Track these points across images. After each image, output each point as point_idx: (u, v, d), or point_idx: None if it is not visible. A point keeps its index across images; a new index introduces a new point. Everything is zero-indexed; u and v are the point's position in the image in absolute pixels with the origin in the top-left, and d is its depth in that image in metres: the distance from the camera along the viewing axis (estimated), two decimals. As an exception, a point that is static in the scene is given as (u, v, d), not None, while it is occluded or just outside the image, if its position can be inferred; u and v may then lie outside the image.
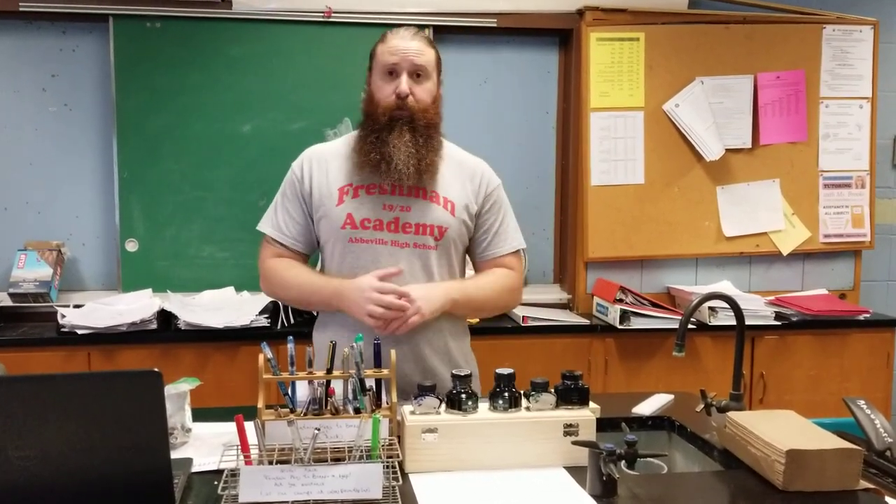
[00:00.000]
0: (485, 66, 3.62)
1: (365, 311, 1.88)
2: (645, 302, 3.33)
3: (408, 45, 1.98)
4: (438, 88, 2.05)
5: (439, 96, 2.05)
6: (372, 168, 1.97)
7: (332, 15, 3.37)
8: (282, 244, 2.07)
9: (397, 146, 1.94)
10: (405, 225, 2.00)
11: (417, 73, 1.98)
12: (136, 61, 3.29)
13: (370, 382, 1.67)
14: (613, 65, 3.52)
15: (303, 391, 1.66)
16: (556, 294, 3.69)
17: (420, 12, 3.43)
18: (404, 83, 1.96)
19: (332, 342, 1.68)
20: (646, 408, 2.08)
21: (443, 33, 3.50)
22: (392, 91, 1.97)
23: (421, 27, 3.39)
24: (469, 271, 2.22)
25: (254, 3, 3.31)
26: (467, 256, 2.18)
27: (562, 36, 3.67)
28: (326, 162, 2.07)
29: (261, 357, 1.62)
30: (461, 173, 2.08)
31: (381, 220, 1.99)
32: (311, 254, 2.13)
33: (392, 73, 1.98)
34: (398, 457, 1.54)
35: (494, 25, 3.50)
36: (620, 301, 3.30)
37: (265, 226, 2.11)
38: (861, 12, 3.69)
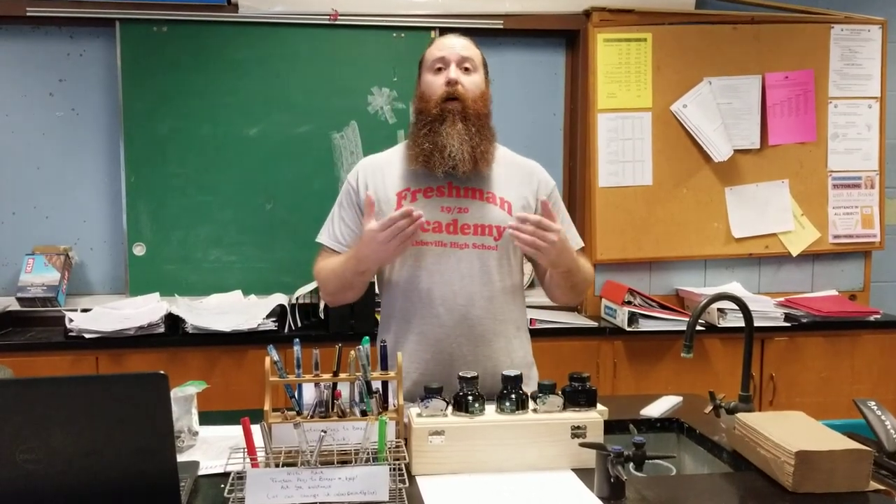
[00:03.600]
0: (491, 68, 3.52)
1: (391, 248, 1.86)
2: (653, 304, 3.32)
3: (454, 42, 2.04)
4: (487, 87, 2.08)
5: (488, 93, 2.08)
6: (426, 158, 1.97)
7: (339, 18, 3.37)
8: (336, 252, 2.07)
9: (450, 134, 1.96)
10: (464, 226, 1.99)
11: (465, 66, 2.02)
12: (143, 65, 3.30)
13: (377, 385, 1.67)
14: (621, 66, 3.51)
15: (309, 394, 1.66)
16: (564, 296, 3.67)
17: (426, 14, 3.42)
18: (453, 71, 1.99)
19: (339, 345, 1.68)
20: (654, 410, 2.07)
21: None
22: (442, 82, 2.00)
23: (427, 29, 3.44)
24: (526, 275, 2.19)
25: (259, 7, 3.31)
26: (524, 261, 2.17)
27: (568, 37, 3.66)
28: (381, 170, 2.08)
29: (267, 360, 1.62)
30: (516, 174, 2.09)
31: (440, 222, 1.98)
32: None
33: (441, 67, 2.02)
34: (405, 459, 1.54)
35: (501, 27, 3.50)
36: (629, 303, 3.28)
37: (322, 237, 2.12)
38: (869, 12, 3.67)
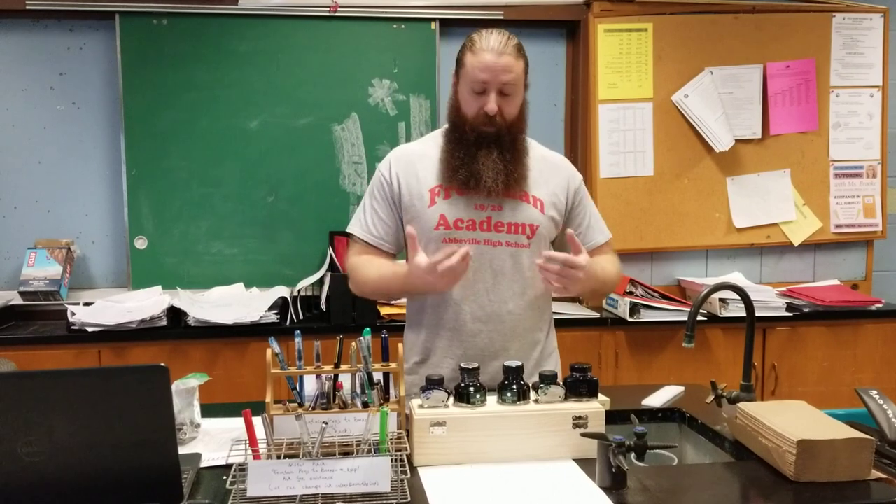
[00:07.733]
0: (492, 59, 3.60)
1: (443, 284, 1.86)
2: (655, 294, 3.32)
3: (497, 62, 1.91)
4: (525, 92, 2.02)
5: (525, 102, 2.03)
6: (461, 184, 1.97)
7: (338, 9, 3.36)
8: (369, 244, 2.07)
9: (486, 164, 1.94)
10: (497, 224, 2.00)
11: (506, 93, 1.95)
12: (143, 58, 3.29)
13: (378, 376, 1.67)
14: (621, 56, 3.50)
15: (311, 386, 1.66)
16: (566, 287, 3.67)
17: (426, 6, 3.41)
18: (492, 101, 1.92)
19: (340, 337, 1.68)
20: (656, 400, 2.07)
21: (449, 26, 3.48)
22: (480, 107, 1.94)
23: (427, 20, 3.43)
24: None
25: (260, -1, 3.31)
26: None
27: (569, 27, 3.65)
28: (414, 163, 2.05)
29: (268, 352, 1.62)
30: (547, 171, 2.08)
31: (473, 219, 1.98)
32: (398, 253, 2.11)
33: (481, 90, 1.94)
34: (406, 450, 1.54)
35: (501, 18, 3.48)
36: (631, 294, 3.28)
37: (354, 227, 2.10)
38: (871, 0, 3.65)
